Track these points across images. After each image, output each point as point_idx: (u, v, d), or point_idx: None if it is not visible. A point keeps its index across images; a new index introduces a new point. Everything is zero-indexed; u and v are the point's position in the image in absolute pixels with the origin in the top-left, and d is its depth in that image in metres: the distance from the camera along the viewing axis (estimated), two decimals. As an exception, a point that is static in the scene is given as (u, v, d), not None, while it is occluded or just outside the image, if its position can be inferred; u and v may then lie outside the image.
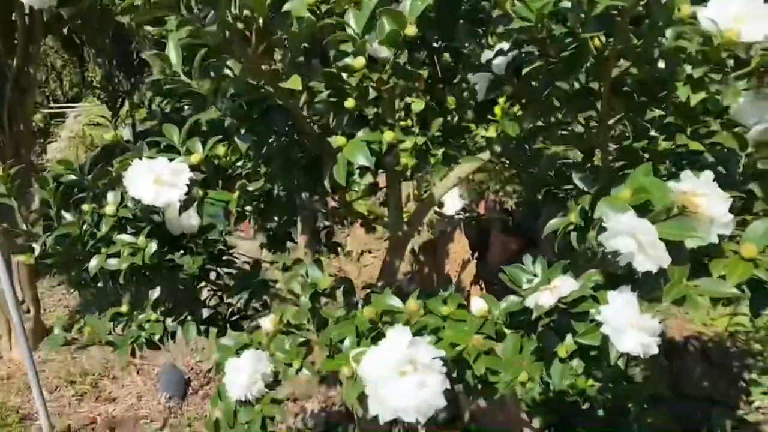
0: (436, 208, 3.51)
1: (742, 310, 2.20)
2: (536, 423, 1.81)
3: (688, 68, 0.71)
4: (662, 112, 0.91)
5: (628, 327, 0.71)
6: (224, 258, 1.28)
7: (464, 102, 1.01)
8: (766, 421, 1.94)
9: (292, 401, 2.82)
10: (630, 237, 0.67)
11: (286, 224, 1.57)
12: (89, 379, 3.05)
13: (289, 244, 1.53)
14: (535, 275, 0.94)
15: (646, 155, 0.93)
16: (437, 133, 1.03)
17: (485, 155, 1.33)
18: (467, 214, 3.34)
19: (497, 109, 0.85)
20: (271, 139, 0.94)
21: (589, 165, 0.93)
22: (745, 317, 2.21)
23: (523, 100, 0.89)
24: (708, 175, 0.68)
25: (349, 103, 0.81)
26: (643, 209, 0.69)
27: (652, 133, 0.95)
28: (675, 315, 2.33)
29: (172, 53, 0.82)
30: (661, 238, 0.66)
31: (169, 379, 2.97)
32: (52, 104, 7.97)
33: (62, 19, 2.95)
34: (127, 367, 3.19)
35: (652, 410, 1.90)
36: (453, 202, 3.32)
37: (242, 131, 0.83)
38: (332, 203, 1.41)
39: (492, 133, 1.05)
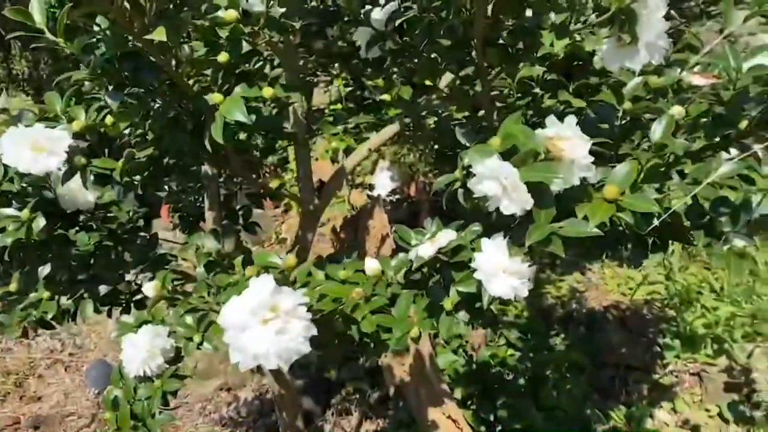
0: (366, 191, 3.50)
1: (658, 278, 2.28)
2: (458, 394, 1.83)
3: (553, 16, 0.72)
4: (543, 68, 0.93)
5: (499, 272, 0.72)
6: (126, 236, 1.25)
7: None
8: (678, 383, 2.02)
9: (225, 391, 2.78)
10: (494, 180, 0.68)
11: (195, 203, 1.55)
12: (12, 379, 2.93)
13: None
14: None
15: (531, 112, 0.95)
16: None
17: (395, 126, 1.34)
18: (397, 196, 3.36)
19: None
20: (156, 103, 0.92)
21: (476, 122, 0.94)
22: (660, 285, 2.29)
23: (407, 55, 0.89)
24: (571, 120, 0.69)
25: (222, 57, 0.79)
26: (510, 155, 0.70)
27: (536, 90, 0.97)
28: (595, 286, 2.40)
29: (36, 9, 0.78)
30: (524, 182, 0.67)
31: (98, 375, 2.88)
32: (-28, 98, 7.57)
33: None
34: (54, 364, 3.09)
35: (571, 378, 1.95)
36: (384, 184, 3.31)
37: (110, 88, 0.80)
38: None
39: (388, 97, 1.05)
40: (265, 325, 0.60)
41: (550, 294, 2.39)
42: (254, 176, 1.36)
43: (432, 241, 0.79)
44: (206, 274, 1.01)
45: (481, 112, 0.92)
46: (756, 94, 0.68)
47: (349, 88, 1.37)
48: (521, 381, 1.90)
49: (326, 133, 1.39)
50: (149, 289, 0.88)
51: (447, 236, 0.79)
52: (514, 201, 0.68)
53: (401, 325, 0.89)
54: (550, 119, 0.70)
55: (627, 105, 0.92)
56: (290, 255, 0.81)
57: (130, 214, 1.40)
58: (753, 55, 0.69)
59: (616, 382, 2.07)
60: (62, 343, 3.19)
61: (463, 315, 0.85)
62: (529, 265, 0.72)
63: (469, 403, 1.85)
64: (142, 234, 1.44)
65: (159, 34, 0.72)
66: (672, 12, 1.17)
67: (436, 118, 1.02)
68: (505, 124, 0.74)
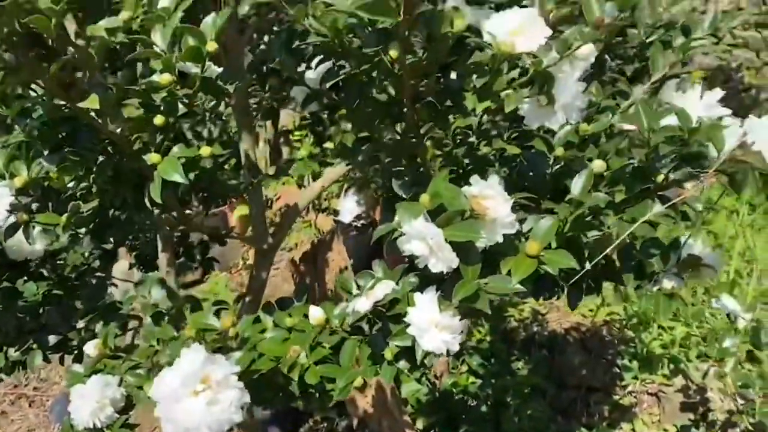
0: (332, 216, 3.51)
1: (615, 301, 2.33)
2: (420, 424, 1.84)
3: (475, 78, 0.75)
4: (478, 119, 0.96)
5: (431, 327, 0.74)
6: (76, 282, 1.24)
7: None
8: (637, 403, 2.06)
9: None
10: (421, 240, 0.70)
11: (151, 242, 1.55)
12: (-25, 417, 2.87)
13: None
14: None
15: (467, 160, 0.98)
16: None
17: (343, 166, 1.36)
18: (363, 221, 3.38)
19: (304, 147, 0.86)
20: (99, 158, 0.92)
21: (415, 169, 0.97)
22: (619, 307, 2.34)
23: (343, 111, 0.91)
24: (493, 179, 0.72)
25: (158, 120, 0.80)
26: (438, 212, 0.73)
27: (472, 139, 1.00)
28: (557, 307, 2.44)
29: (-30, 74, 0.79)
30: (449, 241, 0.69)
31: (62, 410, 2.82)
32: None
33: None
34: (18, 399, 3.03)
35: (533, 402, 1.97)
36: (349, 208, 3.33)
37: (46, 153, 0.81)
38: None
39: (331, 144, 1.07)
40: (196, 396, 0.61)
41: (513, 317, 2.42)
42: (205, 214, 1.37)
43: (368, 295, 0.81)
44: (153, 325, 1.02)
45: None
46: (666, 153, 0.72)
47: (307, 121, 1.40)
48: (483, 408, 1.92)
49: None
50: (90, 348, 0.88)
51: (384, 288, 0.81)
52: (441, 260, 0.70)
53: (345, 374, 0.90)
54: (474, 178, 0.73)
55: (559, 151, 0.95)
56: (227, 315, 0.82)
57: (85, 255, 1.41)
58: (664, 114, 0.73)
59: (578, 403, 2.10)
60: (26, 376, 3.14)
61: (404, 364, 0.86)
62: (460, 319, 0.74)
63: (432, 432, 1.87)
64: (98, 274, 1.44)
65: (92, 103, 0.74)
66: (606, 56, 1.22)
67: (377, 165, 1.04)
68: (433, 182, 0.76)
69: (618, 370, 2.15)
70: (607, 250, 0.86)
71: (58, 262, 1.26)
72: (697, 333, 2.18)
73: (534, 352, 2.24)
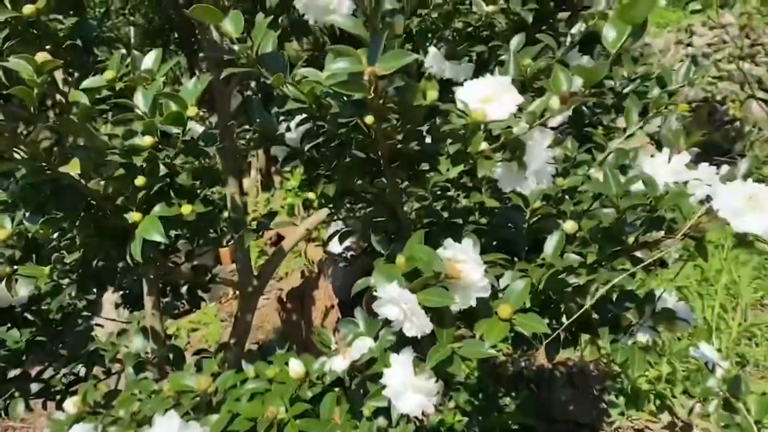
0: (324, 246, 3.51)
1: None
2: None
3: (448, 143, 0.77)
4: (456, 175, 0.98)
5: (407, 389, 0.75)
6: (60, 328, 1.24)
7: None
8: (624, 440, 2.06)
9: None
10: (395, 305, 0.71)
11: (138, 282, 1.55)
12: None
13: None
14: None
15: (446, 213, 1.00)
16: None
17: (325, 211, 1.38)
18: (352, 253, 3.38)
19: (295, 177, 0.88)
20: (82, 214, 0.94)
21: (394, 223, 0.98)
22: (605, 343, 2.34)
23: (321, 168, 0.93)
24: (467, 243, 0.73)
25: (139, 181, 0.81)
26: (413, 276, 0.74)
27: (450, 192, 1.02)
28: (544, 342, 2.44)
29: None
30: (423, 305, 0.70)
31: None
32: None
33: None
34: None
35: (521, 439, 1.97)
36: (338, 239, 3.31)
37: (27, 214, 0.82)
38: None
39: (314, 196, 1.09)
40: (169, 463, 0.61)
41: (502, 351, 2.42)
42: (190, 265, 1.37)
43: (345, 353, 0.82)
44: (134, 375, 1.02)
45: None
46: (633, 221, 0.74)
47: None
48: (470, 446, 1.92)
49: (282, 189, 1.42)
50: (70, 405, 0.89)
51: (361, 347, 0.82)
52: (415, 325, 0.71)
53: (326, 429, 0.91)
54: (448, 241, 0.74)
55: (537, 204, 0.97)
56: (202, 377, 0.83)
57: (71, 295, 1.41)
58: (631, 183, 0.74)
59: (566, 439, 2.09)
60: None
61: (381, 421, 0.87)
62: (436, 381, 0.75)
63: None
64: (84, 314, 1.44)
65: (73, 167, 0.75)
66: (584, 107, 1.25)
67: (358, 215, 1.06)
68: (409, 244, 0.77)
69: (605, 406, 2.15)
70: (583, 309, 0.88)
71: (43, 307, 1.26)
72: (683, 369, 2.19)
73: (522, 387, 2.24)
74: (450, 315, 0.73)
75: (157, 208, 0.84)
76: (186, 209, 0.85)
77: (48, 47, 0.96)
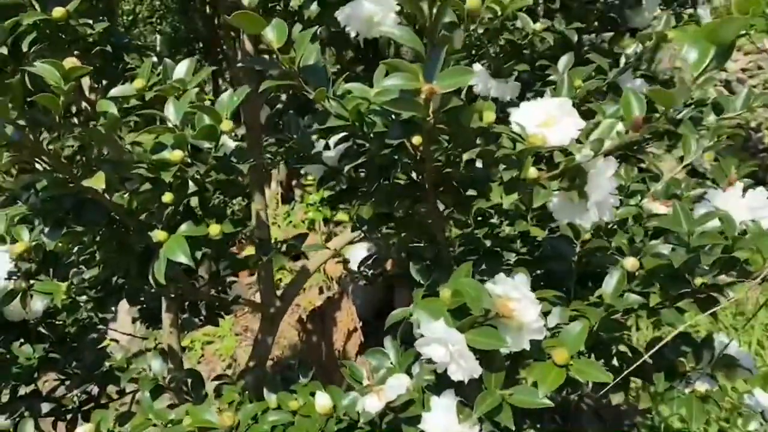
0: (344, 265, 3.46)
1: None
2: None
3: (501, 169, 0.70)
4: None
5: (448, 437, 0.68)
6: (74, 344, 1.19)
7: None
8: (653, 480, 1.96)
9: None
10: (442, 345, 0.65)
11: (156, 298, 1.50)
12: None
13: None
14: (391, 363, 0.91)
15: (488, 242, 0.93)
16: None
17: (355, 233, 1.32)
18: (372, 271, 3.33)
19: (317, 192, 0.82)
20: (102, 228, 0.88)
21: (433, 250, 0.92)
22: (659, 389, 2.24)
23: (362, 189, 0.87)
24: (521, 277, 0.67)
25: (167, 197, 0.76)
26: (460, 313, 0.68)
27: (494, 219, 0.96)
28: (570, 373, 2.35)
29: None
30: (471, 347, 0.64)
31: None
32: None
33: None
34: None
35: (545, 475, 1.88)
36: (359, 256, 3.26)
37: (47, 229, 0.77)
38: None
39: (346, 217, 1.03)
40: None
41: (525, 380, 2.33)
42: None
43: (380, 393, 0.75)
44: (150, 401, 0.96)
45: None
46: (705, 263, 0.67)
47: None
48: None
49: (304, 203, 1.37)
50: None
51: (395, 388, 0.75)
52: (462, 368, 0.64)
53: (353, 469, 0.84)
54: (500, 276, 0.68)
55: (586, 236, 0.91)
56: (225, 413, 0.76)
57: (88, 309, 1.36)
58: (706, 220, 0.68)
59: (591, 476, 2.00)
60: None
61: (415, 464, 0.80)
62: (479, 430, 0.68)
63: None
64: (100, 327, 1.39)
65: (98, 182, 0.70)
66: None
67: (395, 240, 1.00)
68: (455, 277, 0.71)
69: (634, 443, 2.06)
70: (642, 359, 0.81)
71: (58, 322, 1.21)
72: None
73: (547, 419, 2.15)
74: (501, 358, 0.67)
75: (184, 227, 0.79)
76: (214, 229, 0.79)
77: (76, 53, 0.92)
